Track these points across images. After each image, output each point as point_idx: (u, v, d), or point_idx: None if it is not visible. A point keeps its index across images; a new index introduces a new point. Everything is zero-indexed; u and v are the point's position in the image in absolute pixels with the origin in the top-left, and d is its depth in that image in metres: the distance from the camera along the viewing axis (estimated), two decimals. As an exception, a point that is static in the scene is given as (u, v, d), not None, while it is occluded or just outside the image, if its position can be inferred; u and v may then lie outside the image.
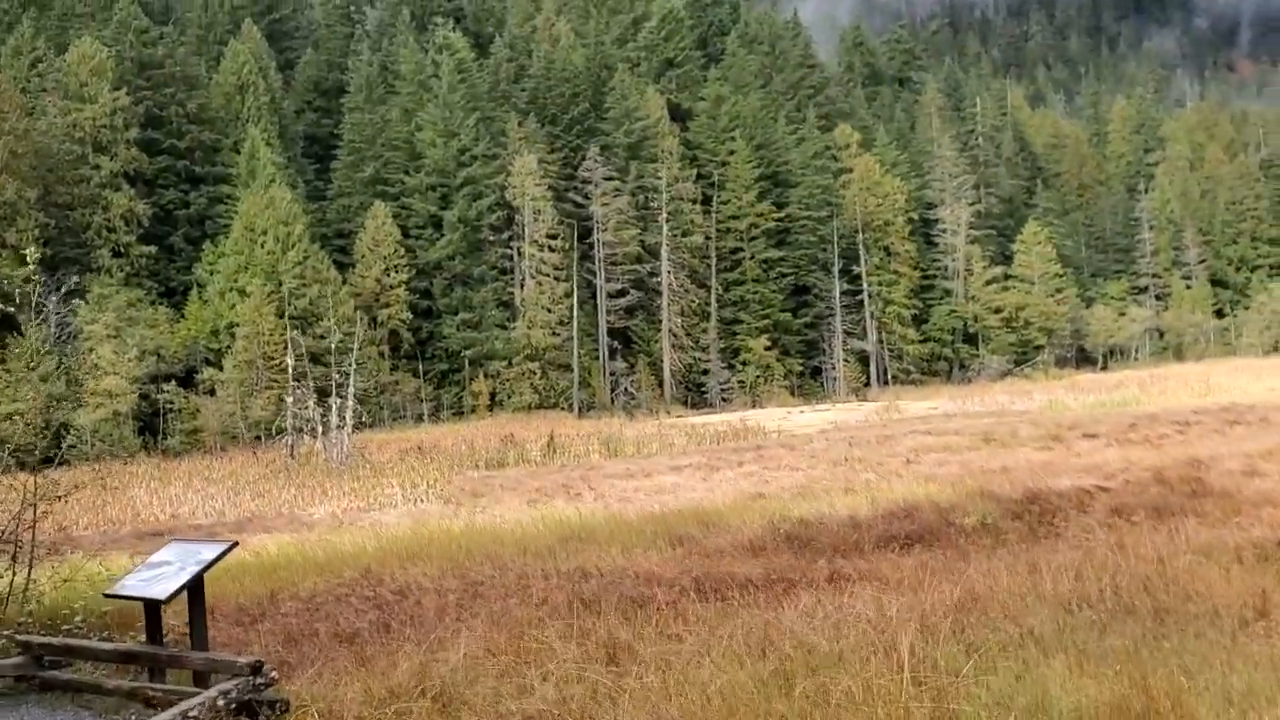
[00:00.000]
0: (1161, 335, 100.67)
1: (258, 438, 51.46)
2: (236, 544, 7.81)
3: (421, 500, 24.47)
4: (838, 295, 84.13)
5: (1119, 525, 9.89)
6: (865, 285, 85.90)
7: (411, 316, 69.56)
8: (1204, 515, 10.39)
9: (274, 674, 6.65)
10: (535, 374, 71.13)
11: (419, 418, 66.44)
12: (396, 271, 68.88)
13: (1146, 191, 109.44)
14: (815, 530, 10.63)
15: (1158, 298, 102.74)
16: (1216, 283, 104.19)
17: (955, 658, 5.47)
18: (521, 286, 74.29)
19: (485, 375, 70.35)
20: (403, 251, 69.77)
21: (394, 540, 13.82)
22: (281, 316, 58.68)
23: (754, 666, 5.70)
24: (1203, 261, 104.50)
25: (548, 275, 73.53)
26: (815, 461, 23.00)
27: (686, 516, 12.85)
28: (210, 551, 7.47)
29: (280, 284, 60.13)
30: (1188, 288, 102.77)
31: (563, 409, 71.05)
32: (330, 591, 10.73)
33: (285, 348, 52.81)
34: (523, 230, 73.99)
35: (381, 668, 7.12)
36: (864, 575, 8.14)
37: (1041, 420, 33.94)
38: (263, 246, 61.23)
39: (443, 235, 71.89)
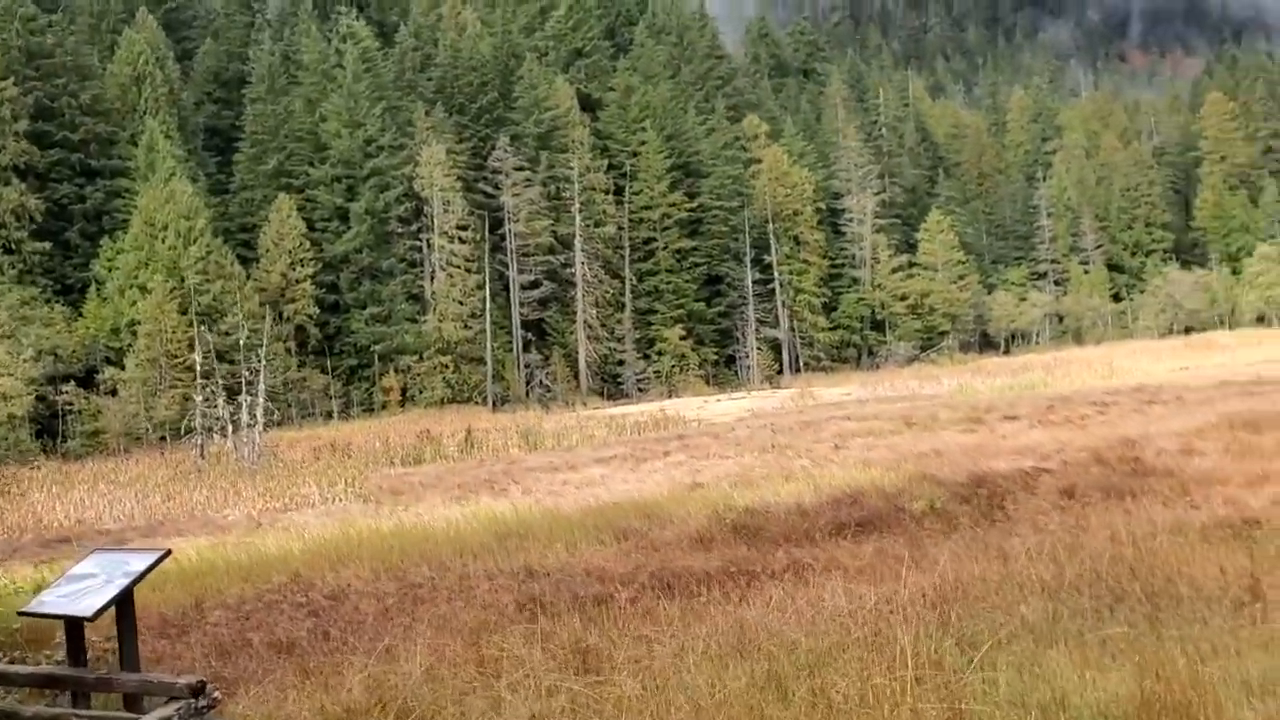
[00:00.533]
0: (1061, 320, 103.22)
1: (164, 438, 49.77)
2: (169, 552, 7.24)
3: (340, 499, 23.74)
4: (750, 284, 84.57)
5: (1071, 507, 9.80)
6: (776, 274, 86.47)
7: (319, 311, 67.99)
8: (1153, 494, 10.38)
9: (217, 694, 6.13)
10: (448, 368, 70.10)
11: (328, 415, 65.05)
12: (302, 265, 67.24)
13: (1044, 179, 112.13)
14: (763, 519, 10.38)
15: (1057, 283, 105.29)
16: (1113, 268, 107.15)
17: (950, 652, 5.23)
18: (432, 279, 73.13)
19: (396, 370, 69.11)
20: (308, 245, 68.11)
21: (320, 542, 13.24)
22: (185, 313, 56.87)
23: (738, 668, 5.40)
24: (1099, 247, 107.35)
25: (459, 267, 72.50)
26: (742, 449, 22.86)
27: (625, 509, 12.52)
28: (140, 562, 6.90)
29: (183, 280, 58.28)
30: (1085, 273, 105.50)
31: (477, 403, 70.23)
32: (259, 598, 10.17)
33: (190, 345, 51.15)
34: (432, 222, 72.83)
35: (329, 680, 6.66)
36: (825, 565, 7.90)
37: (956, 404, 34.37)
38: (164, 242, 59.25)
39: (349, 228, 70.39)
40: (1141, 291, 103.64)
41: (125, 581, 6.64)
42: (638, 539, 10.11)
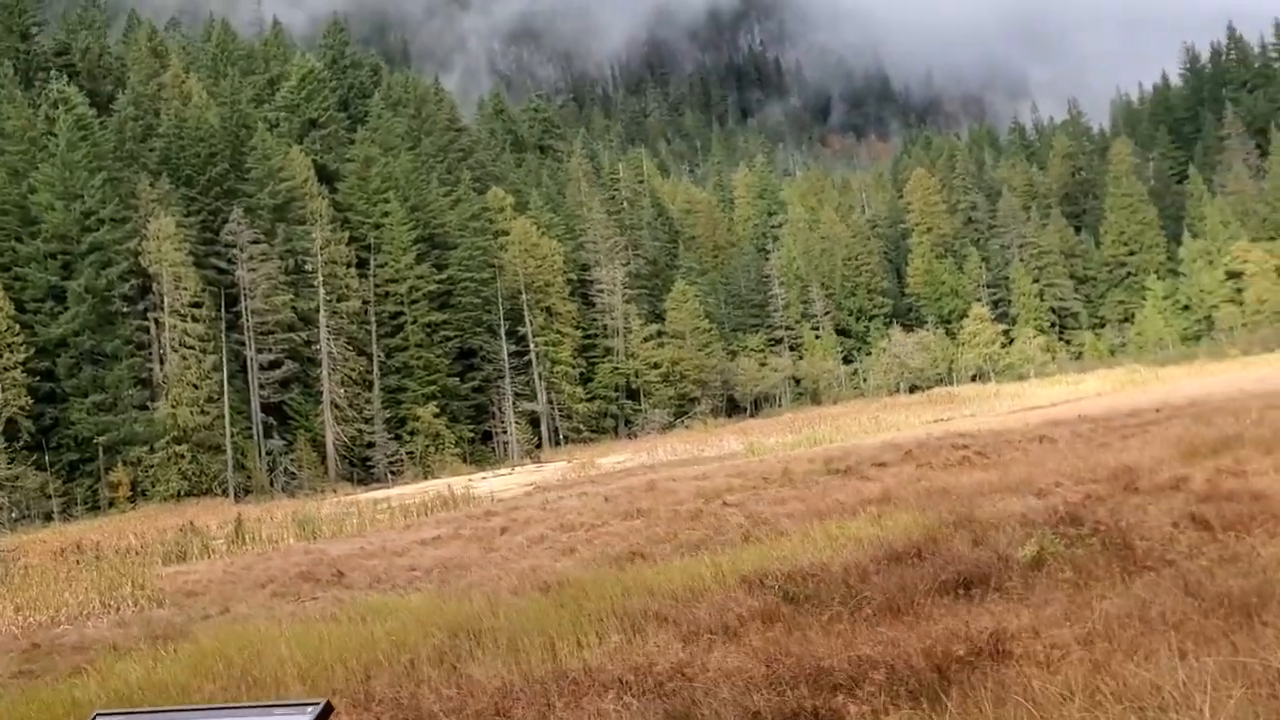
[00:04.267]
0: (799, 382, 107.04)
1: None
2: None
3: (128, 606, 19.96)
4: (506, 357, 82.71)
5: (1218, 540, 8.37)
6: (532, 345, 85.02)
7: (32, 401, 60.47)
8: (1250, 519, 9.31)
9: None
10: (184, 458, 64.04)
11: (48, 516, 57.59)
12: (11, 351, 59.79)
13: (774, 251, 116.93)
14: (816, 586, 8.54)
15: (792, 348, 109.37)
16: (841, 332, 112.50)
17: None
18: (162, 362, 66.98)
19: (125, 463, 62.31)
20: (18, 328, 60.72)
21: (185, 666, 10.27)
22: None
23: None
24: (828, 313, 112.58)
25: (192, 348, 66.75)
26: (597, 519, 20.91)
27: (583, 588, 10.40)
28: None
29: None
30: (817, 337, 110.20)
31: (217, 494, 64.39)
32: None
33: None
34: (161, 300, 66.88)
35: None
36: (1054, 644, 5.90)
37: (795, 457, 33.02)
38: None
39: (66, 308, 63.38)
40: (868, 353, 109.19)
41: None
42: (669, 627, 8.03)
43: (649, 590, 9.44)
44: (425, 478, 70.94)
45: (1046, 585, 7.63)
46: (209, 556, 32.97)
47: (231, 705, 2.45)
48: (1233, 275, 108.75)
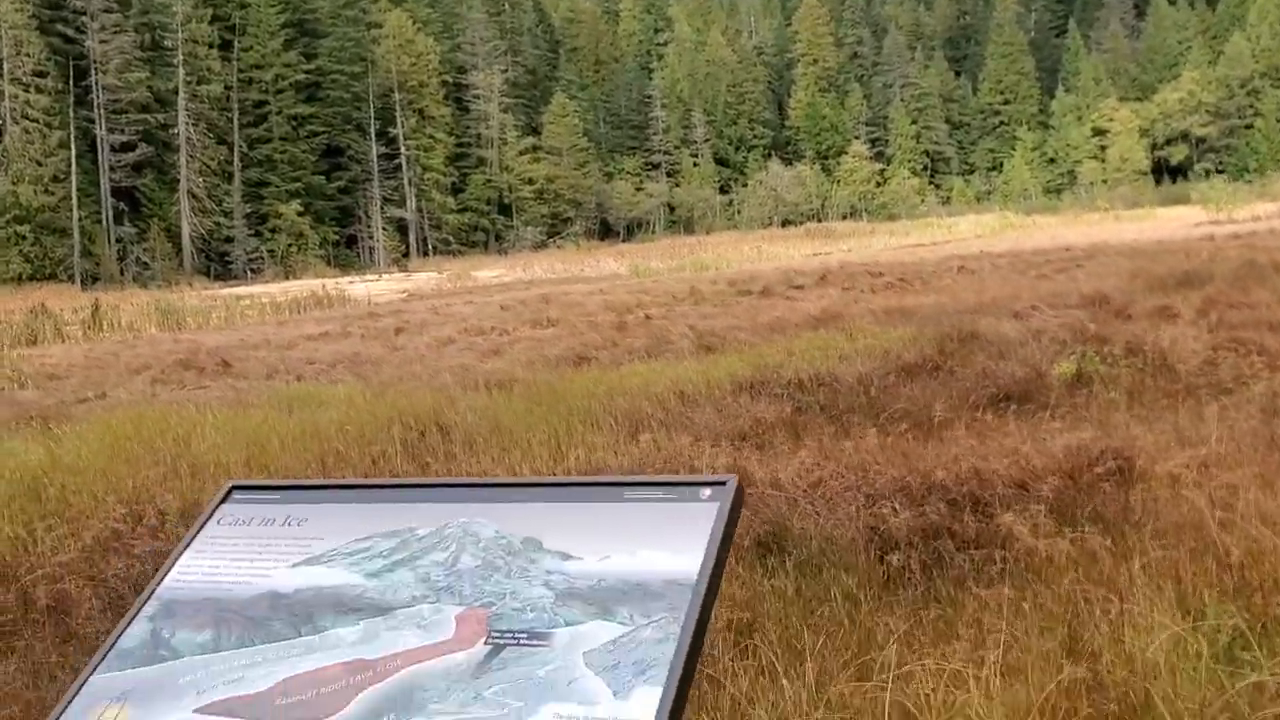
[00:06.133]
0: (673, 210, 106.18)
1: None
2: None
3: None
4: (375, 158, 79.23)
5: (1258, 365, 7.88)
6: (403, 149, 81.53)
7: None
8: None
9: None
10: (25, 239, 59.87)
11: None
12: None
13: (656, 71, 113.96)
14: (832, 397, 7.78)
15: (669, 174, 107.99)
16: (720, 161, 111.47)
17: None
18: (2, 134, 61.68)
19: (-41, 241, 58.01)
20: None
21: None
22: None
23: None
24: (708, 140, 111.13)
25: (36, 121, 61.66)
26: (508, 326, 19.80)
27: (543, 389, 9.46)
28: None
29: None
30: (695, 165, 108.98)
31: (62, 280, 60.65)
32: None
33: None
34: (1, 65, 61.12)
35: None
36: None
37: (701, 279, 32.04)
38: None
39: (-112, 64, 57.43)
40: (744, 185, 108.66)
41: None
42: (679, 433, 7.16)
43: (628, 393, 8.55)
44: (287, 278, 68.11)
45: (1099, 406, 7.03)
46: (63, 341, 30.80)
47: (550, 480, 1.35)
48: (1099, 133, 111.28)
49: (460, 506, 1.56)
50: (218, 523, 1.67)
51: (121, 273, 66.37)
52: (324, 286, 43.77)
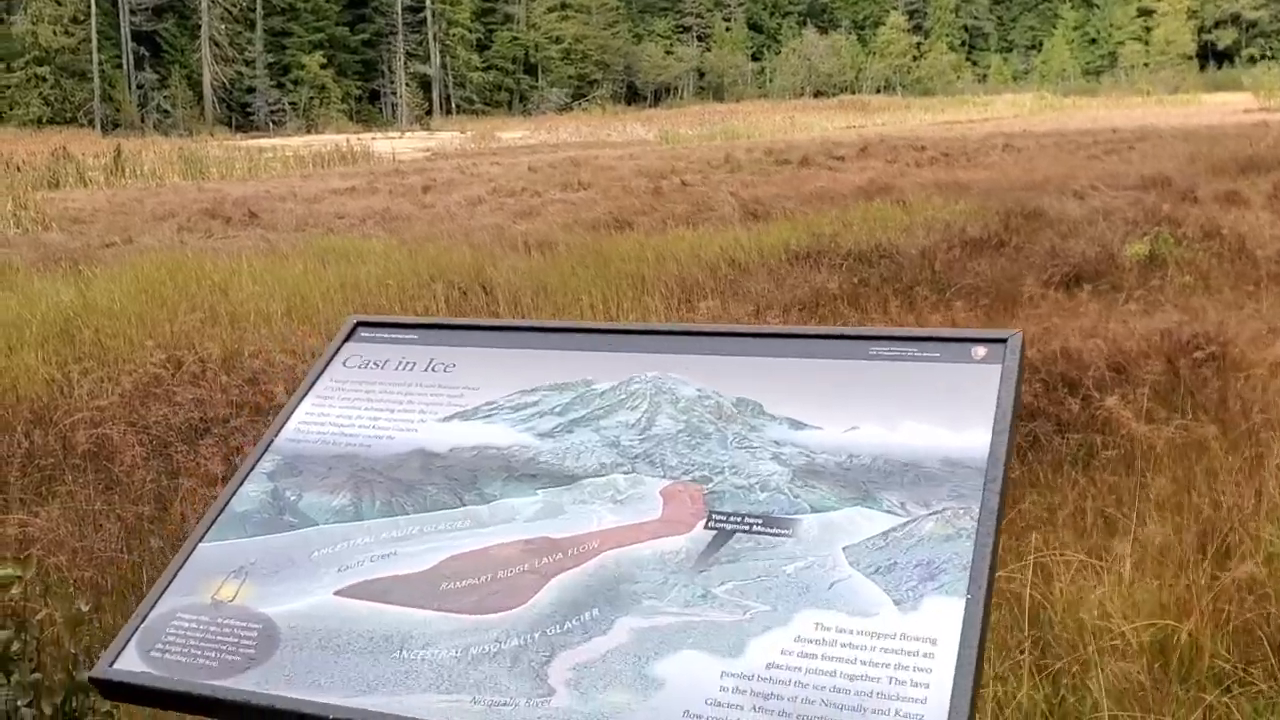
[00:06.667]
0: (703, 75, 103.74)
1: None
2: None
3: (8, 227, 17.93)
4: (400, 11, 77.18)
5: None
6: (429, 1, 79.32)
7: None
8: None
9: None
10: (45, 80, 58.92)
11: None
12: None
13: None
14: (896, 270, 7.45)
15: (700, 38, 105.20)
16: (753, 27, 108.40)
17: None
18: (19, -30, 60.26)
19: (-22, 80, 57.16)
20: None
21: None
22: None
23: None
24: (742, 4, 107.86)
25: (54, -42, 60.05)
26: (539, 188, 19.31)
27: (586, 251, 9.10)
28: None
29: None
30: (728, 29, 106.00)
31: (83, 124, 59.95)
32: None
33: None
34: (16, -104, 59.35)
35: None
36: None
37: (719, 148, 31.26)
38: None
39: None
40: (777, 53, 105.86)
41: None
42: (735, 301, 6.84)
43: (677, 259, 8.22)
44: (309, 132, 67.07)
45: (1175, 290, 6.69)
46: (86, 186, 30.41)
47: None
48: (1145, 13, 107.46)
49: (646, 358, 1.27)
50: (343, 364, 1.38)
51: (142, 120, 65.49)
52: (347, 141, 43.04)
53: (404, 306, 7.36)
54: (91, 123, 60.82)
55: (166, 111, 67.31)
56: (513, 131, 60.70)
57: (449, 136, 58.76)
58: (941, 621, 0.94)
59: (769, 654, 0.95)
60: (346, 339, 1.40)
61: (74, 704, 2.86)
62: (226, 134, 64.93)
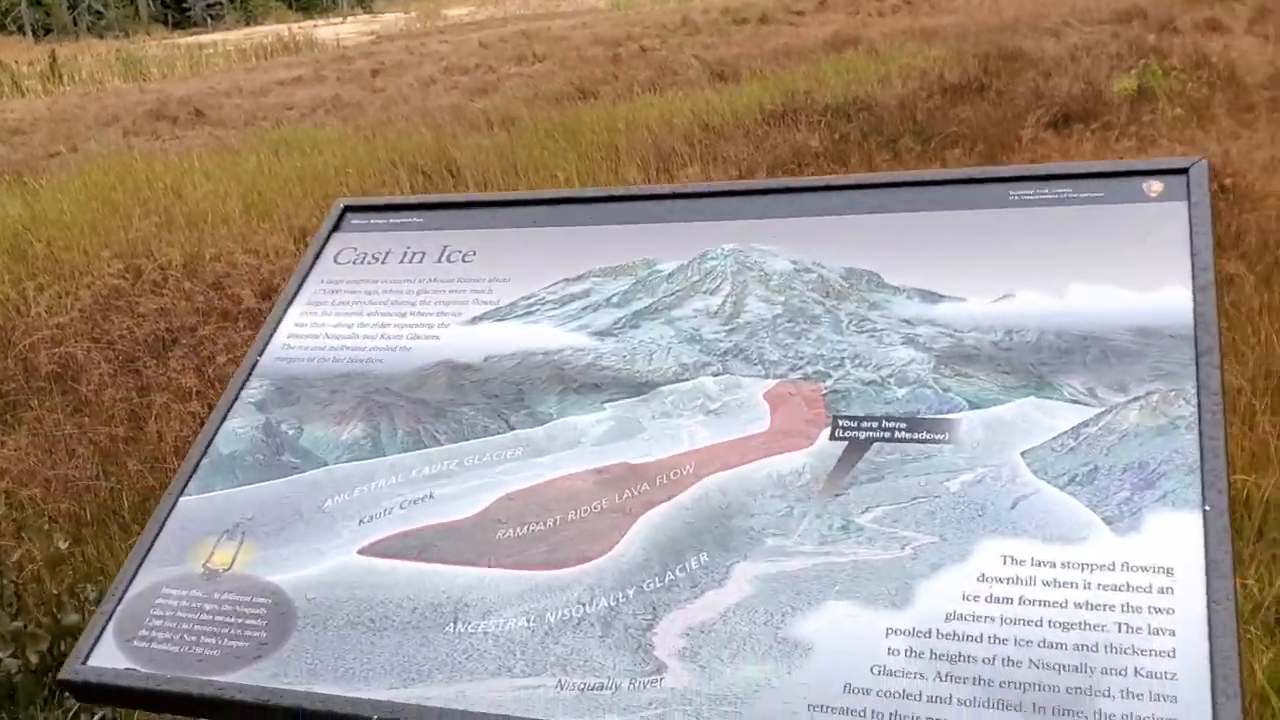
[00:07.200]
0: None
1: None
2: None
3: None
4: (331, -111, 73.89)
5: None
6: (361, -122, 75.93)
7: None
8: None
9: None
10: (-33, -13, 56.32)
11: None
12: None
13: None
14: (875, 122, 7.12)
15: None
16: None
17: None
18: None
19: (-106, -10, 54.54)
20: None
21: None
22: None
23: None
24: None
25: None
26: (491, 64, 18.63)
27: (550, 124, 8.69)
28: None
29: None
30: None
31: (12, 32, 57.65)
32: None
33: None
34: None
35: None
36: None
37: (673, 10, 30.16)
38: None
39: None
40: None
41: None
42: (715, 165, 6.51)
43: (648, 127, 7.85)
44: (248, 24, 64.77)
45: (1167, 124, 6.42)
46: (23, 95, 29.19)
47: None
48: None
49: (716, 226, 1.00)
50: (334, 260, 1.11)
51: (75, 23, 63.13)
52: (289, 30, 41.58)
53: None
54: (21, 29, 58.49)
55: (99, 13, 64.83)
56: (459, 8, 58.70)
57: (393, 18, 56.76)
58: (1175, 544, 0.70)
59: (947, 601, 0.72)
60: (334, 229, 1.13)
61: (61, 648, 2.65)
62: (164, 32, 62.50)
